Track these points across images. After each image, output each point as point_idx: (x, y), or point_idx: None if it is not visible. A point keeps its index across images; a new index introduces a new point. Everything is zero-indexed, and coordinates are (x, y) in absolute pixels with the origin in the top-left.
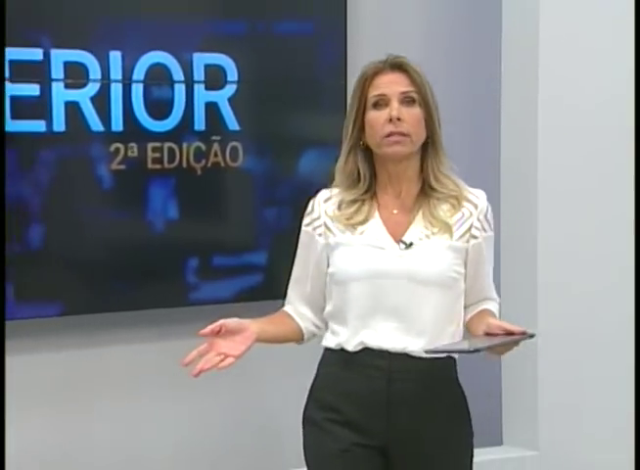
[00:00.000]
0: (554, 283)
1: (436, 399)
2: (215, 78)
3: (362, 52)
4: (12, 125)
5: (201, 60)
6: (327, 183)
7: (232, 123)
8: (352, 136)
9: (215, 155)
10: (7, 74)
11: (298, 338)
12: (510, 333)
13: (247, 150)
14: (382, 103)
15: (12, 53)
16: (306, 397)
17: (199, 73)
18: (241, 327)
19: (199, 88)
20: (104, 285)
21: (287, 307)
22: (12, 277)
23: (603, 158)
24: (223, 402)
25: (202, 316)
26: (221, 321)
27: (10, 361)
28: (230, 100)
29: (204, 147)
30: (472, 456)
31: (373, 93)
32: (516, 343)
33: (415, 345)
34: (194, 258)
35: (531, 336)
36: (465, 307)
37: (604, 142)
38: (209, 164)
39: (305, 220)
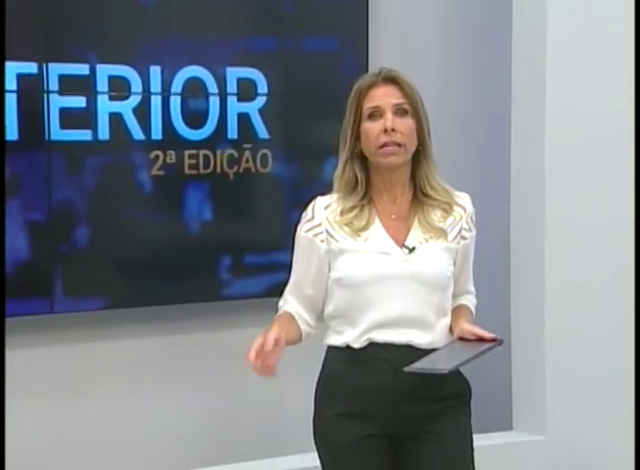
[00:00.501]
0: (560, 285)
1: (439, 384)
2: (247, 91)
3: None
4: (60, 134)
5: (233, 74)
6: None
7: (262, 132)
8: (349, 145)
9: (247, 161)
10: (56, 88)
11: (299, 340)
12: (481, 338)
13: (275, 157)
14: (376, 114)
15: (61, 68)
16: (314, 393)
17: (232, 86)
18: (278, 337)
19: (232, 100)
20: (144, 281)
21: (288, 308)
22: (60, 274)
23: (607, 167)
24: (237, 392)
25: (234, 310)
26: (267, 337)
27: (57, 351)
28: (260, 111)
29: (236, 154)
30: (471, 434)
31: (368, 105)
32: (489, 351)
33: (419, 338)
34: (226, 256)
35: (500, 343)
36: None
37: (608, 153)
38: (241, 170)
39: (305, 226)
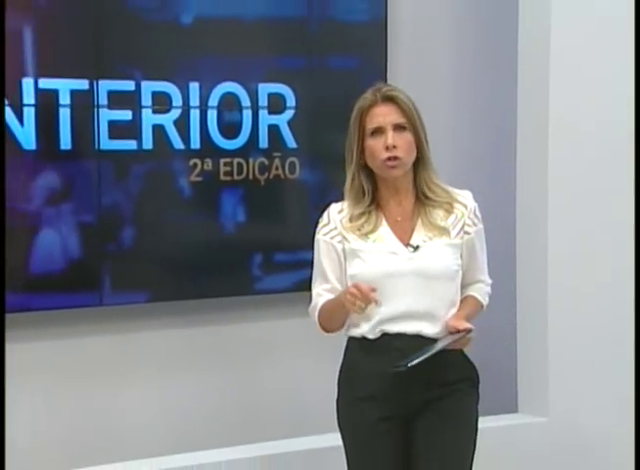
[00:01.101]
0: (562, 281)
1: (448, 370)
2: (277, 105)
3: (399, 83)
4: (109, 144)
5: (264, 89)
6: None
7: (290, 142)
8: (355, 159)
9: (276, 168)
10: (105, 102)
11: (344, 323)
12: (457, 330)
13: (302, 164)
14: (378, 132)
15: (109, 85)
16: (337, 379)
17: (263, 101)
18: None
19: (263, 113)
20: (184, 277)
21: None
22: (108, 270)
23: (606, 174)
24: (266, 377)
25: (264, 303)
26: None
27: (105, 340)
28: (289, 123)
29: (266, 162)
30: (477, 415)
31: (370, 125)
32: (459, 339)
33: (427, 329)
34: (258, 254)
35: (468, 332)
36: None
37: (607, 160)
38: (271, 177)
39: (323, 231)
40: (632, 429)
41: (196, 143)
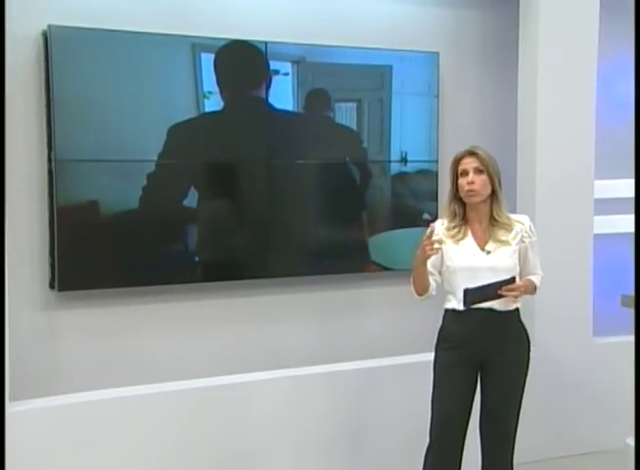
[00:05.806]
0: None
1: (509, 332)
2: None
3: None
4: None
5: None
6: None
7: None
8: (451, 191)
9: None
10: None
11: (428, 284)
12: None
13: None
14: (464, 174)
15: None
16: (436, 336)
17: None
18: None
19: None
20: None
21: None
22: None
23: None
24: (368, 321)
25: (374, 277)
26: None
27: (273, 298)
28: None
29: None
30: (526, 371)
31: (460, 169)
32: (502, 283)
33: (496, 305)
34: None
35: (508, 280)
36: (520, 279)
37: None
38: None
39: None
40: (580, 341)
41: None
